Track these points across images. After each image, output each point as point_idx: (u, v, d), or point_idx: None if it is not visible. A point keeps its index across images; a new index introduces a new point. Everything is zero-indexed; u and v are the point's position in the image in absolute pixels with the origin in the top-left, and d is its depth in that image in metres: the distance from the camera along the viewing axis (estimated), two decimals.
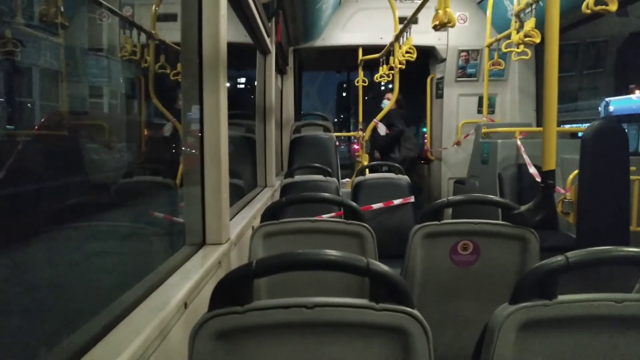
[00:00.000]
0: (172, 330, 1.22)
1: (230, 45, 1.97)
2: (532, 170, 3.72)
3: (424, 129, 7.28)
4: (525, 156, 3.94)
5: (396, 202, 3.65)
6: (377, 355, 1.01)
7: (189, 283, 1.39)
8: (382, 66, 5.40)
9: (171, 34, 3.28)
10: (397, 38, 4.51)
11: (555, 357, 1.06)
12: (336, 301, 0.99)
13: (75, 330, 1.02)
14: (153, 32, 3.25)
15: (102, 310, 1.12)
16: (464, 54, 6.09)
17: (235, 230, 2.16)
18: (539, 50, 5.09)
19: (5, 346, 1.09)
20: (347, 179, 5.85)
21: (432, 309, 1.90)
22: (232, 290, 0.99)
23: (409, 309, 0.99)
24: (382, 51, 5.30)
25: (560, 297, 1.05)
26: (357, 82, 6.23)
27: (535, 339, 1.06)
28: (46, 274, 1.48)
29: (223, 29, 1.88)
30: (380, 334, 1.00)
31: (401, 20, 4.51)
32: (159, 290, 1.32)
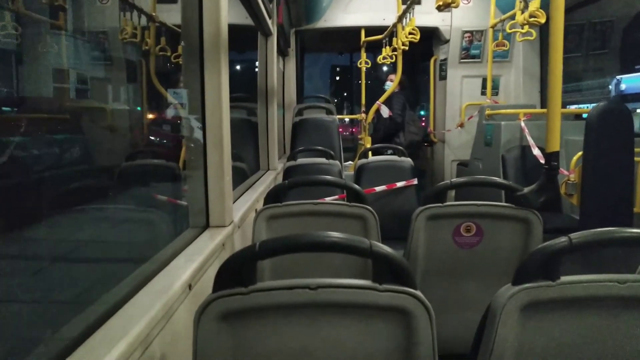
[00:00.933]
0: (177, 312, 1.24)
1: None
2: (536, 151, 3.70)
3: (422, 112, 7.14)
4: (529, 138, 3.92)
5: (399, 184, 3.65)
6: (380, 335, 1.02)
7: (193, 265, 1.40)
8: (385, 47, 5.35)
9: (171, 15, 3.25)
10: (400, 19, 4.46)
11: (558, 337, 1.07)
12: (339, 282, 1.00)
13: (80, 312, 1.03)
14: (153, 14, 3.22)
15: (108, 292, 1.13)
16: (467, 35, 6.02)
17: (239, 213, 2.17)
18: (544, 30, 5.03)
19: None
20: (350, 162, 5.84)
21: (434, 290, 1.91)
22: (236, 271, 1.00)
23: (411, 290, 0.99)
24: (385, 32, 5.25)
25: (563, 278, 1.05)
26: (360, 64, 6.18)
27: (537, 319, 1.06)
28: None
29: (224, 10, 1.86)
30: (383, 314, 1.01)
31: (404, 0, 4.45)
32: (163, 272, 1.34)
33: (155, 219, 1.90)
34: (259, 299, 0.99)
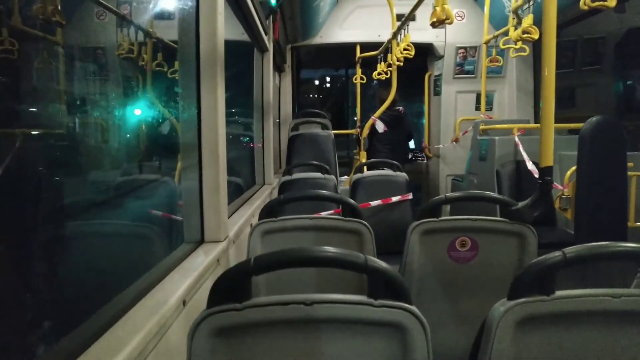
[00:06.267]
0: (171, 328, 1.23)
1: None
2: (530, 166, 3.72)
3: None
4: (523, 153, 3.94)
5: (394, 199, 3.65)
6: (376, 351, 1.01)
7: (187, 280, 1.39)
8: (380, 63, 5.40)
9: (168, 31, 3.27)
10: (395, 35, 4.51)
11: (553, 352, 1.06)
12: (334, 298, 1.00)
13: (73, 328, 1.02)
14: (150, 30, 3.24)
15: (101, 308, 1.12)
16: (461, 50, 6.09)
17: (234, 228, 2.16)
18: (537, 46, 5.09)
19: None
20: (346, 177, 5.84)
21: (430, 305, 1.90)
22: (230, 287, 0.99)
23: (407, 305, 0.99)
24: (380, 48, 5.30)
25: (558, 293, 1.05)
26: (355, 80, 6.23)
27: (533, 334, 1.06)
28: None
29: (220, 26, 1.88)
30: (378, 330, 1.00)
31: (399, 17, 4.49)
32: (157, 288, 1.33)
33: (150, 234, 1.89)
34: (253, 315, 0.98)
